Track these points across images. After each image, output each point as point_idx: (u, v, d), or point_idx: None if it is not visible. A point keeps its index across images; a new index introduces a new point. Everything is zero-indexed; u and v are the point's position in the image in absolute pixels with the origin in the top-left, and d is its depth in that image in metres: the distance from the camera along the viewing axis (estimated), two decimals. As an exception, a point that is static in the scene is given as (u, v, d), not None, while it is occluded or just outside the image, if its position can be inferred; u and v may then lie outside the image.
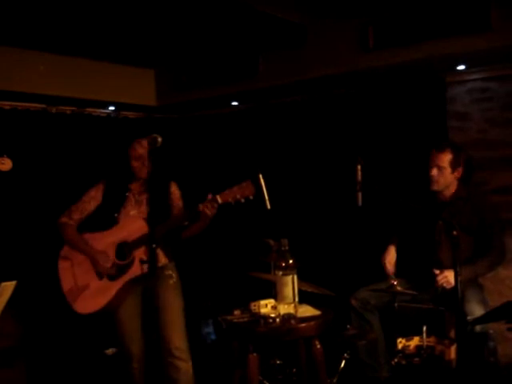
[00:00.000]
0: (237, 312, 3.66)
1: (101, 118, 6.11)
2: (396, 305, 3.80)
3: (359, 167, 3.57)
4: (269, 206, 3.64)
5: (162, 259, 4.06)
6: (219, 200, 3.70)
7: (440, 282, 3.90)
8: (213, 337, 5.42)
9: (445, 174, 4.11)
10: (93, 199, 4.07)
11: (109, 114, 6.18)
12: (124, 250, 3.91)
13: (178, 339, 3.98)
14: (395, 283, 3.87)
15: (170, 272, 4.11)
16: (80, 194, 4.14)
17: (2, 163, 3.27)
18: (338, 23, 4.78)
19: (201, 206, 3.73)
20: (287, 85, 5.31)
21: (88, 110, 5.94)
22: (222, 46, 5.25)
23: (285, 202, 5.28)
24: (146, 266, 3.65)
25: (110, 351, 5.39)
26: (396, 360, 3.60)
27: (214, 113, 6.29)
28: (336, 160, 5.28)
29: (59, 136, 5.66)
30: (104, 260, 3.92)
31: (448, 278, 3.86)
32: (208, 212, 3.73)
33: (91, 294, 3.91)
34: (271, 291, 3.72)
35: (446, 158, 4.11)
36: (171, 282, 4.08)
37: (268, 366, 4.14)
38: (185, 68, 5.86)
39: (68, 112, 5.79)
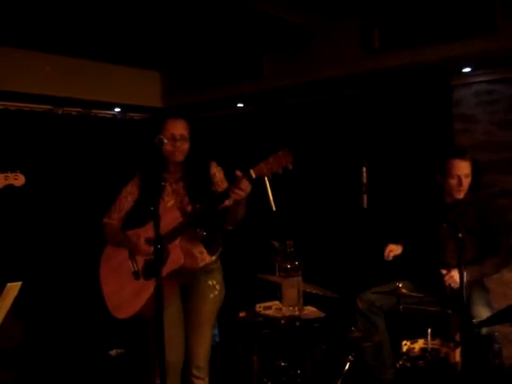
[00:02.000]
0: (242, 313, 3.66)
1: (107, 120, 6.14)
2: (401, 307, 3.80)
3: (364, 169, 3.56)
4: (274, 208, 3.60)
5: (206, 257, 3.60)
6: (253, 175, 3.22)
7: (447, 282, 3.89)
8: (217, 339, 5.41)
9: (468, 181, 4.11)
10: (130, 194, 3.71)
11: (115, 116, 6.20)
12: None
13: (201, 359, 3.61)
14: (400, 285, 3.87)
15: (214, 282, 3.64)
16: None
17: (15, 178, 3.26)
18: (344, 25, 4.79)
19: (230, 190, 3.27)
20: (292, 86, 5.32)
21: (94, 111, 5.97)
22: (227, 47, 5.25)
23: (290, 204, 5.28)
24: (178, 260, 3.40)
25: (114, 352, 5.40)
26: (401, 362, 3.60)
27: (220, 114, 6.29)
28: (341, 162, 5.28)
29: (65, 137, 5.69)
30: (144, 244, 3.52)
31: (455, 277, 3.85)
32: (237, 196, 3.26)
33: (128, 297, 3.52)
34: (276, 293, 3.72)
35: (469, 165, 4.11)
36: (211, 295, 3.62)
37: (272, 367, 4.13)
38: (190, 70, 5.87)
39: (74, 113, 5.82)
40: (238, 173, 3.23)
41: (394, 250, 4.25)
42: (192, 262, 3.47)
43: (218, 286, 3.63)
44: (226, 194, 3.28)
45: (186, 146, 3.58)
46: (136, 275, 3.55)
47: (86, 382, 4.90)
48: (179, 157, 3.58)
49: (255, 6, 4.24)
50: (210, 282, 3.61)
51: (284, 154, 3.22)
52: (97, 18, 4.37)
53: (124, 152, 5.91)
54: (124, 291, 3.55)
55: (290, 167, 3.21)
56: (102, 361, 5.26)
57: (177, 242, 3.41)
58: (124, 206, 3.71)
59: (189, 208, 3.53)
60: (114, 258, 3.69)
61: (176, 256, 3.40)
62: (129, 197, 3.71)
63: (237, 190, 3.22)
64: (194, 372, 3.58)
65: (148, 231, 3.38)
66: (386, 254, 4.22)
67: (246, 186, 3.22)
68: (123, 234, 3.67)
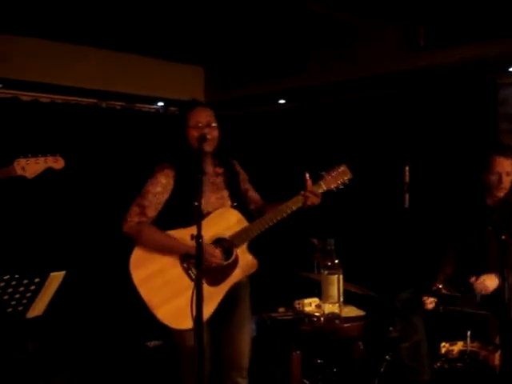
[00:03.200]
0: (281, 309, 3.67)
1: (149, 114, 6.20)
2: (441, 308, 3.77)
3: (407, 168, 3.54)
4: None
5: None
6: (324, 187, 3.30)
7: (478, 289, 3.85)
8: (254, 334, 5.42)
9: (510, 180, 4.06)
10: (166, 189, 3.26)
11: (157, 110, 6.26)
12: (223, 247, 3.23)
13: (246, 358, 3.43)
14: (440, 286, 3.84)
15: (247, 278, 3.43)
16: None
17: (55, 161, 3.30)
18: (389, 22, 4.76)
19: (304, 195, 3.24)
20: (335, 83, 5.30)
21: (137, 105, 6.04)
22: (271, 44, 5.25)
23: (331, 202, 5.26)
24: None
25: (151, 344, 5.44)
26: (439, 364, 3.57)
27: (262, 110, 6.30)
28: (383, 161, 5.24)
29: (109, 130, 5.76)
30: (211, 252, 3.15)
31: (485, 282, 3.81)
32: (313, 203, 3.26)
33: (190, 305, 2.85)
34: (313, 290, 3.71)
35: (511, 164, 4.06)
36: (247, 293, 3.47)
37: (308, 364, 4.13)
38: (233, 65, 5.89)
39: (118, 107, 5.90)
40: (310, 183, 3.27)
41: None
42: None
43: (248, 280, 3.46)
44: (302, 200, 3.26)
45: (214, 133, 3.31)
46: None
47: (124, 373, 4.97)
48: (209, 145, 3.26)
49: (300, 3, 4.24)
50: (244, 279, 3.39)
51: (344, 169, 3.35)
52: (142, 13, 4.42)
53: (165, 146, 5.97)
54: (180, 299, 3.06)
55: (347, 182, 3.34)
56: (140, 352, 5.32)
57: (244, 247, 3.26)
58: (161, 202, 3.27)
59: (229, 203, 3.34)
60: (150, 263, 3.21)
61: (250, 261, 3.27)
62: (165, 191, 3.27)
63: (315, 197, 3.27)
64: (243, 372, 3.42)
65: (206, 231, 2.91)
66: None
67: (320, 197, 3.29)
68: (169, 235, 3.23)
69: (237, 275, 3.23)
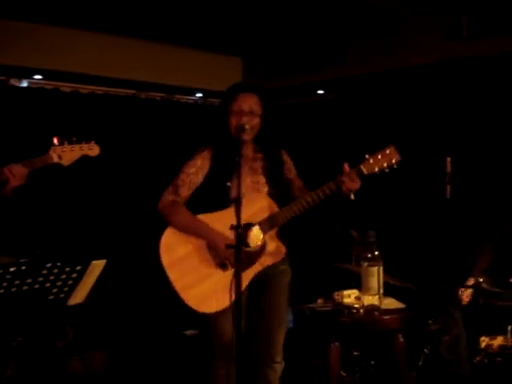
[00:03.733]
0: (320, 301, 3.65)
1: (188, 105, 6.22)
2: (481, 302, 3.73)
3: (449, 159, 3.48)
4: (353, 197, 3.52)
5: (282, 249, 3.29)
6: (364, 171, 3.07)
7: None
8: (291, 325, 5.41)
9: None
10: (200, 169, 3.25)
11: (196, 101, 6.28)
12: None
13: (280, 345, 3.43)
14: (481, 280, 3.79)
15: (286, 266, 3.40)
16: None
17: (90, 149, 3.32)
18: (430, 12, 4.71)
19: (339, 179, 3.05)
20: (375, 74, 5.26)
21: (176, 96, 6.06)
22: (311, 33, 5.23)
23: (370, 193, 5.22)
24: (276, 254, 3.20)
25: (189, 332, 5.48)
26: (478, 358, 3.54)
27: (301, 101, 6.27)
28: (425, 151, 5.17)
29: (148, 121, 5.79)
30: (222, 241, 3.11)
31: None
32: (351, 188, 3.06)
33: (215, 290, 3.11)
34: (350, 282, 3.68)
35: None
36: (285, 281, 3.42)
37: (345, 356, 4.11)
38: (272, 56, 5.88)
39: (157, 98, 5.92)
40: (346, 167, 3.07)
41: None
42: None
43: (288, 269, 3.43)
44: (337, 186, 3.07)
45: (255, 122, 3.23)
46: (224, 266, 3.18)
47: (161, 362, 5.02)
48: (247, 135, 3.20)
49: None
50: (282, 267, 3.37)
51: (391, 151, 3.10)
52: (181, 4, 4.44)
53: (203, 137, 5.99)
54: (206, 284, 3.18)
55: (396, 166, 3.08)
56: (178, 341, 5.36)
57: (272, 233, 3.19)
58: (195, 182, 3.27)
59: (265, 189, 3.29)
60: (180, 246, 3.25)
61: (278, 247, 3.22)
62: (200, 172, 3.26)
63: (351, 182, 3.06)
64: (277, 359, 3.42)
65: (228, 217, 2.94)
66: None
67: (358, 181, 3.08)
68: (197, 218, 3.23)
69: (264, 261, 3.20)
